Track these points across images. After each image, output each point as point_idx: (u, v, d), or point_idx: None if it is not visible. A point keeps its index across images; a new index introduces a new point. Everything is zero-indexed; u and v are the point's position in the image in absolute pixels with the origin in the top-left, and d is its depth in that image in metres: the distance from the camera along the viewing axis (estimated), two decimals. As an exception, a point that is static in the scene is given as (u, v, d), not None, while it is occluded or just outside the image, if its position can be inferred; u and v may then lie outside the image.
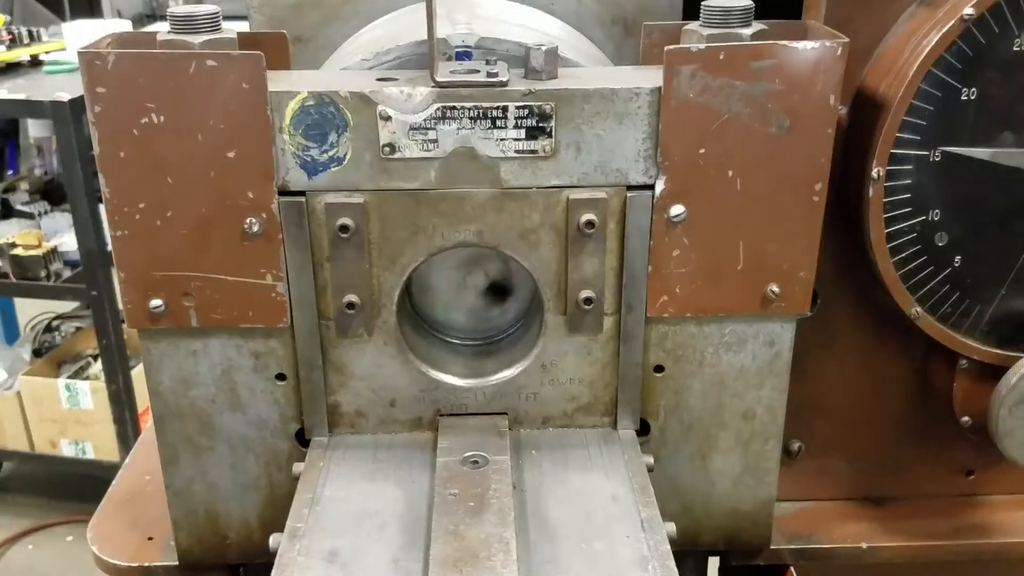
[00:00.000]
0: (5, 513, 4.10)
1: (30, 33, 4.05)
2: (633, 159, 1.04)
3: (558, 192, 1.06)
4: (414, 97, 1.01)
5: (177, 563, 1.23)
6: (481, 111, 1.02)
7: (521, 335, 1.21)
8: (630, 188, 1.06)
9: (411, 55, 1.14)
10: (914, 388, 1.33)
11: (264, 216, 1.04)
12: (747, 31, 1.04)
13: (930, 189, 1.15)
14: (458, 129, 1.02)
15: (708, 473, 1.22)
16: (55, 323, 4.32)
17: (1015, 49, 1.10)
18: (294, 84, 1.02)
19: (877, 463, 1.38)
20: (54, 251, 3.66)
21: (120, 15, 6.97)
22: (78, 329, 4.27)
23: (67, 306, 4.36)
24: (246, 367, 1.13)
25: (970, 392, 1.27)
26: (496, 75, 1.02)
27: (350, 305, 1.08)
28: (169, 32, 1.03)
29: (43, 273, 3.60)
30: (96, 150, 1.01)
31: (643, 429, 1.19)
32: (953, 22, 1.07)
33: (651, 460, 1.16)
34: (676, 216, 1.06)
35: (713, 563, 1.41)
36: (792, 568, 1.35)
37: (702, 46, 1.00)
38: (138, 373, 3.67)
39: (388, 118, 1.01)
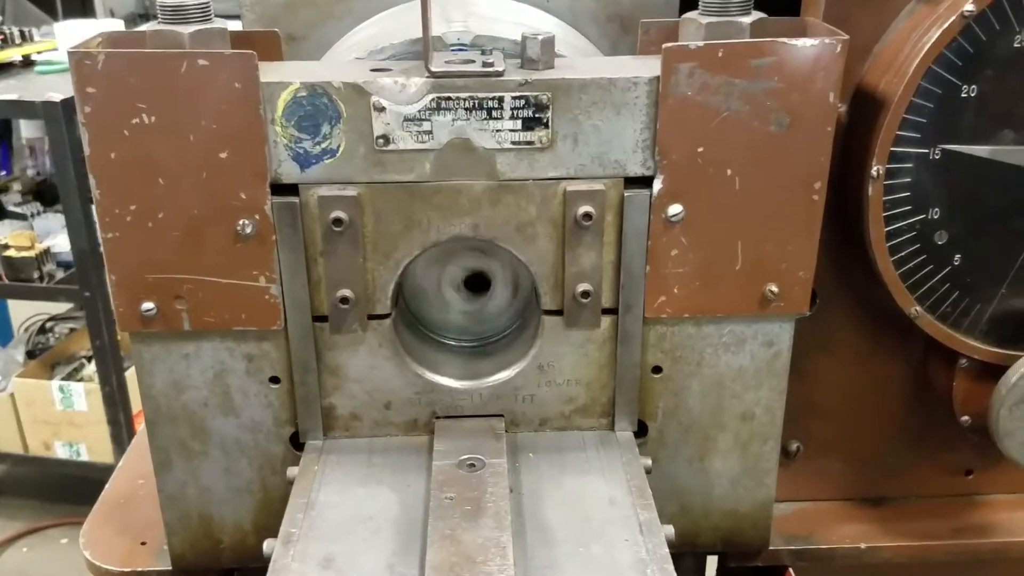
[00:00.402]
0: (-1, 516, 4.10)
1: (22, 33, 4.03)
2: (631, 150, 1.03)
3: (555, 184, 1.04)
4: (408, 88, 0.99)
5: (170, 568, 1.22)
6: (476, 102, 1.00)
7: (517, 336, 1.20)
8: (628, 180, 1.04)
9: (405, 53, 1.13)
10: (913, 388, 1.33)
11: (257, 218, 1.03)
12: (746, 20, 1.03)
13: (930, 187, 1.14)
14: (453, 120, 1.01)
15: (707, 474, 1.21)
16: (49, 325, 4.30)
17: (1016, 46, 1.09)
18: (286, 75, 1.00)
19: (876, 463, 1.38)
20: (47, 252, 3.64)
21: (113, 15, 6.95)
22: (72, 330, 4.26)
23: (60, 307, 4.35)
24: (239, 370, 1.11)
25: (970, 392, 1.26)
26: (492, 65, 1.00)
27: (344, 300, 1.07)
28: (159, 22, 1.01)
29: (36, 274, 3.59)
30: (86, 151, 1.00)
31: (641, 431, 1.18)
32: (953, 19, 1.06)
33: (649, 462, 1.15)
34: (674, 216, 1.05)
35: (711, 563, 1.40)
36: (791, 569, 1.34)
37: (700, 44, 0.99)
38: (132, 375, 3.63)
39: (382, 109, 1.00)
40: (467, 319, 1.21)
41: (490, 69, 1.00)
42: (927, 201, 1.15)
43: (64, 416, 3.81)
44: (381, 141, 1.01)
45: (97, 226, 1.05)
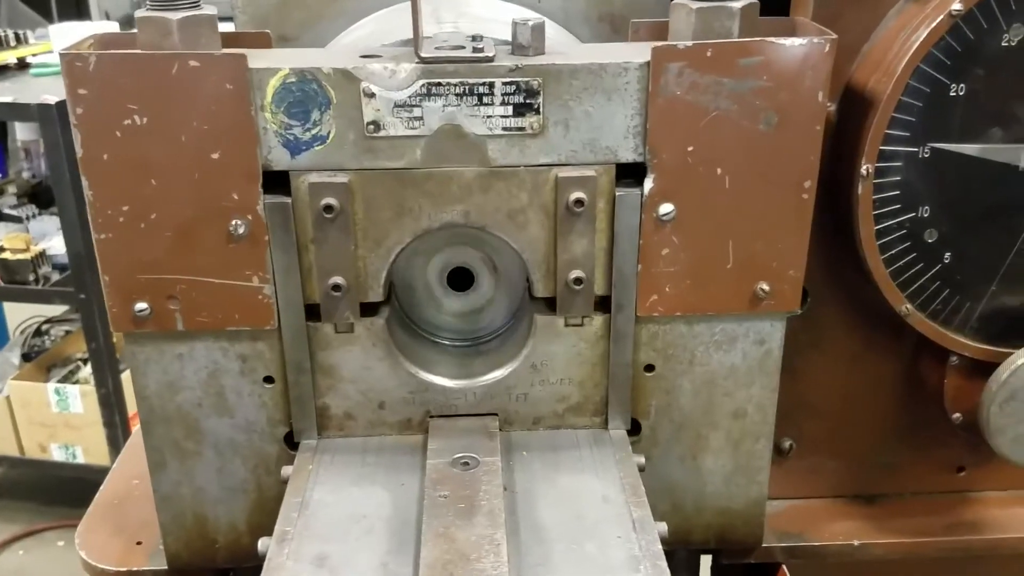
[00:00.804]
0: (-5, 518, 4.09)
1: (17, 35, 4.03)
2: (623, 136, 1.03)
3: (547, 170, 1.04)
4: (398, 73, 0.99)
5: (166, 568, 1.22)
6: (467, 87, 1.00)
7: (510, 335, 1.20)
8: (620, 167, 1.04)
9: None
10: (905, 385, 1.33)
11: (249, 218, 1.03)
12: (737, 4, 1.02)
13: (919, 186, 1.14)
14: (444, 106, 1.00)
15: (699, 472, 1.21)
16: (44, 327, 4.30)
17: (1003, 44, 1.09)
18: (275, 61, 0.99)
19: (868, 461, 1.38)
20: (42, 255, 3.64)
21: (108, 17, 6.93)
22: (67, 333, 4.25)
23: (56, 310, 4.34)
24: (233, 370, 1.12)
25: (960, 389, 1.27)
26: (482, 51, 1.00)
27: (336, 287, 1.06)
28: (148, 9, 1.00)
29: (32, 277, 3.59)
30: (79, 152, 1.00)
31: (634, 429, 1.18)
32: (941, 18, 1.06)
33: (642, 460, 1.15)
34: (665, 215, 1.06)
35: (705, 561, 1.40)
36: (784, 566, 1.34)
37: (689, 43, 1.00)
38: (128, 376, 3.64)
39: (372, 95, 0.99)
40: (459, 318, 1.21)
41: (480, 55, 0.99)
42: (917, 199, 1.15)
43: (60, 418, 3.81)
44: (371, 127, 1.01)
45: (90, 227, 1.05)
